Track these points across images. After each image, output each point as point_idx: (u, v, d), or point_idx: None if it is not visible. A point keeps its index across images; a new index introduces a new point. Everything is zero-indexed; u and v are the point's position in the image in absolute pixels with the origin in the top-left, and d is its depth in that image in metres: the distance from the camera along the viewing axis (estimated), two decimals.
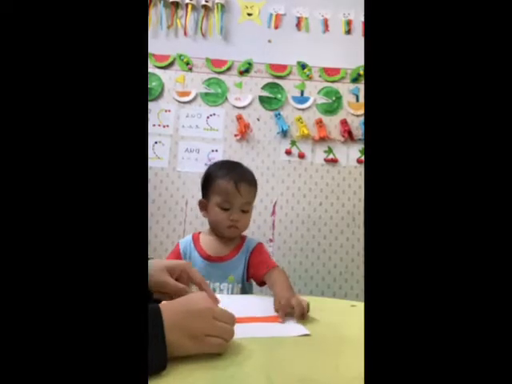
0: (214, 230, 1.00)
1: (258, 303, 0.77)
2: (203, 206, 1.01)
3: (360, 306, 0.78)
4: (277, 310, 0.67)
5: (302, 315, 0.64)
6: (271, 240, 1.73)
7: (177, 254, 1.00)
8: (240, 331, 0.53)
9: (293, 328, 0.60)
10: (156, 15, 1.79)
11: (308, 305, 0.66)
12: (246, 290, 0.98)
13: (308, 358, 0.50)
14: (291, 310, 0.65)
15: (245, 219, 0.98)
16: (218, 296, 0.65)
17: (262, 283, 0.93)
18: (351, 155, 1.78)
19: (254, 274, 0.95)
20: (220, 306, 0.52)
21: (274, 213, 1.74)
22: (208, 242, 1.00)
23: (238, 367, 0.45)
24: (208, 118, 1.78)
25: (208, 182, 0.99)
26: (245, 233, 1.03)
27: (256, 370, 0.44)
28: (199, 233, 1.04)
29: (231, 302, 0.70)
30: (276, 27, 1.82)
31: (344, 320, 0.69)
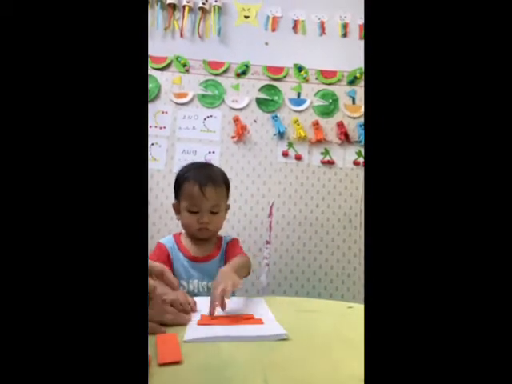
0: (187, 232, 1.01)
1: (242, 304, 0.76)
2: (176, 208, 1.01)
3: (357, 308, 0.78)
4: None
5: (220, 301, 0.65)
6: (268, 242, 1.73)
7: (166, 256, 0.97)
8: (213, 332, 0.56)
9: (271, 330, 0.58)
10: (153, 17, 1.79)
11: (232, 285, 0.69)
12: None
13: (305, 359, 0.50)
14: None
15: (216, 220, 0.98)
16: (201, 298, 0.73)
17: None
18: (348, 157, 1.78)
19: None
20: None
21: (270, 214, 1.73)
22: (189, 243, 1.00)
23: (234, 369, 0.45)
24: (205, 119, 1.78)
25: (177, 185, 1.00)
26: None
27: (253, 371, 0.44)
28: (180, 233, 1.04)
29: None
30: (273, 30, 1.82)
31: (341, 322, 0.69)
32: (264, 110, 1.79)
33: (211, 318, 0.65)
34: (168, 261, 0.96)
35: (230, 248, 1.03)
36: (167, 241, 1.01)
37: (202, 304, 0.71)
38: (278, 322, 0.64)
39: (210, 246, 1.02)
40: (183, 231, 1.04)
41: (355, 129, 1.79)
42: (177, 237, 1.02)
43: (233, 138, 1.76)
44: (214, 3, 1.78)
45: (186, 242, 1.01)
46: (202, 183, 0.94)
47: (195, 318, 0.65)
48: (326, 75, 1.81)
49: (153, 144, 1.75)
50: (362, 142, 1.76)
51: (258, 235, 1.73)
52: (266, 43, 1.82)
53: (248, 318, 0.66)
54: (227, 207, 1.04)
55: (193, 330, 0.58)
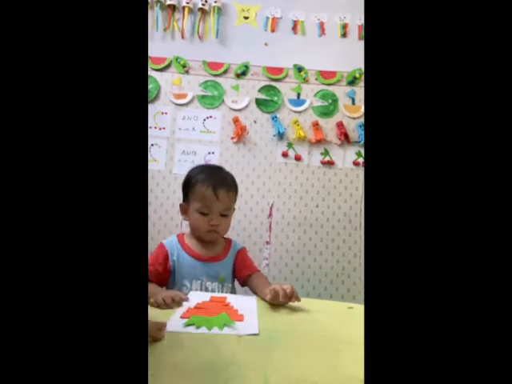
0: (194, 233, 1.01)
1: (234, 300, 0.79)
2: (184, 209, 1.02)
3: (357, 308, 0.78)
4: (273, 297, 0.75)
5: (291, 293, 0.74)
6: (268, 242, 1.73)
7: (164, 255, 0.98)
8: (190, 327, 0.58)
9: (246, 328, 0.60)
10: (153, 18, 1.79)
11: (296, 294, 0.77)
12: (235, 290, 1.03)
13: (306, 359, 0.50)
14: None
15: (224, 223, 0.99)
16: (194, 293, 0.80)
17: (243, 284, 1.01)
18: (347, 157, 1.78)
19: (238, 275, 1.02)
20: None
21: (270, 215, 1.74)
22: (194, 244, 1.01)
23: (235, 369, 0.45)
24: (205, 120, 1.78)
25: (188, 186, 1.01)
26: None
27: (253, 371, 0.44)
28: (183, 234, 1.05)
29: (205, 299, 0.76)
30: (272, 30, 1.82)
31: (341, 322, 0.69)
32: (264, 111, 1.79)
33: (195, 312, 0.67)
34: (165, 261, 0.96)
35: (242, 259, 1.03)
36: (169, 241, 1.01)
37: (194, 298, 0.75)
38: (278, 322, 0.64)
39: (218, 247, 1.02)
40: (187, 232, 1.04)
41: (355, 129, 1.79)
42: (180, 237, 1.03)
43: (232, 138, 1.76)
44: (214, 4, 1.78)
45: (190, 242, 1.01)
46: (216, 186, 0.95)
47: (181, 310, 0.68)
48: (326, 76, 1.81)
49: (153, 145, 1.75)
50: (362, 143, 1.77)
51: (257, 236, 1.73)
52: (266, 44, 1.82)
53: (231, 315, 0.66)
54: (233, 210, 1.04)
55: (173, 322, 0.61)
